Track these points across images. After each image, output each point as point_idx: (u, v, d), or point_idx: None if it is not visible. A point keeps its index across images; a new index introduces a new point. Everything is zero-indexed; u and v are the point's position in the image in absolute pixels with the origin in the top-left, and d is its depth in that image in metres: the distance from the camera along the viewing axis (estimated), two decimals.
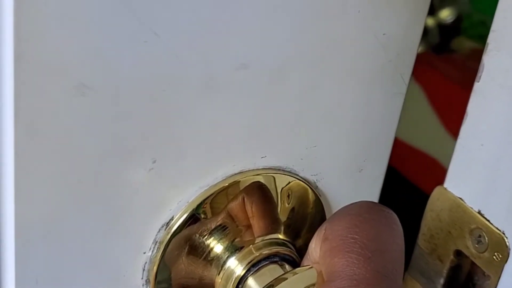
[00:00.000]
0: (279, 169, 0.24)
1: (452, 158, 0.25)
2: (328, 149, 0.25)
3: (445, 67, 0.63)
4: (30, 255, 0.21)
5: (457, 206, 0.25)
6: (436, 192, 0.25)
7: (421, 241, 0.26)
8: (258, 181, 0.24)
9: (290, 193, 0.24)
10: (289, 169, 0.24)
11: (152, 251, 0.23)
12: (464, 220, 0.24)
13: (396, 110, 0.25)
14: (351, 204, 0.22)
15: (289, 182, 0.24)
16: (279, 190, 0.24)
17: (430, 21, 0.69)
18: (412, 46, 0.24)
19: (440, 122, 0.61)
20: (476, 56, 0.71)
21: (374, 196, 0.27)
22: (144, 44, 0.19)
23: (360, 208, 0.21)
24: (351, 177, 0.26)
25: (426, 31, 0.68)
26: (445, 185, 0.25)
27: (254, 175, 0.24)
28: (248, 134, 0.23)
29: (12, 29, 0.17)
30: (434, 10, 0.69)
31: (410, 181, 0.65)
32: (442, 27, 0.69)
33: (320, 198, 0.25)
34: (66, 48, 0.18)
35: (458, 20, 0.69)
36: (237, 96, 0.22)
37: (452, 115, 0.60)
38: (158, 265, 0.23)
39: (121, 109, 0.20)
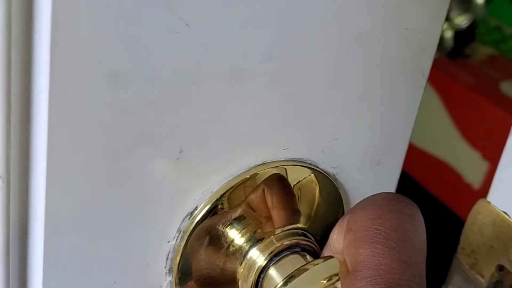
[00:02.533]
0: (300, 161, 0.24)
1: (496, 171, 0.24)
2: (349, 142, 0.25)
3: (460, 73, 0.63)
4: (58, 242, 0.21)
5: (501, 221, 0.24)
6: (478, 205, 0.25)
7: (460, 255, 0.26)
8: (279, 173, 0.24)
9: (310, 185, 0.25)
10: (310, 161, 0.25)
11: (176, 240, 0.23)
12: (509, 235, 0.24)
13: (415, 104, 0.26)
14: (373, 195, 0.22)
15: (310, 174, 0.25)
16: (299, 182, 0.25)
17: (445, 27, 0.69)
18: (432, 40, 0.24)
19: (456, 128, 0.61)
20: (491, 62, 0.72)
21: (391, 189, 0.27)
22: (176, 35, 0.20)
23: (382, 200, 0.22)
24: (369, 170, 0.26)
25: (441, 37, 0.68)
26: (488, 198, 0.25)
27: (276, 167, 0.24)
28: (272, 125, 0.23)
29: (50, 16, 0.18)
30: (449, 16, 0.69)
31: (423, 187, 0.65)
32: (457, 32, 0.69)
33: (339, 190, 0.26)
34: (100, 37, 0.18)
35: (473, 25, 0.69)
36: (263, 88, 0.22)
37: (467, 121, 0.60)
38: (182, 254, 0.23)
39: (151, 98, 0.20)
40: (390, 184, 0.27)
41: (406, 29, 0.24)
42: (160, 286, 0.24)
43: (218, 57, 0.21)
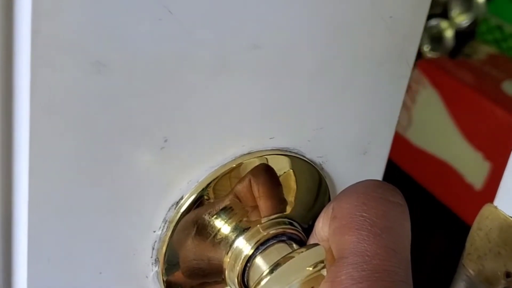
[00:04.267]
0: (286, 150, 0.24)
1: (504, 175, 0.23)
2: (335, 131, 0.25)
3: (461, 73, 0.63)
4: (42, 234, 0.21)
5: (508, 226, 0.23)
6: (485, 210, 0.24)
7: (466, 261, 0.25)
8: (265, 162, 0.24)
9: (296, 174, 0.25)
10: (296, 151, 0.25)
11: (162, 230, 0.23)
12: None
13: (400, 93, 0.26)
14: (358, 182, 0.22)
15: (296, 163, 0.25)
16: (286, 171, 0.25)
17: (446, 26, 0.68)
18: (417, 29, 0.24)
19: (457, 128, 0.61)
20: (492, 61, 0.71)
21: (378, 178, 0.27)
22: (159, 22, 0.19)
23: (367, 187, 0.22)
24: (355, 160, 0.26)
25: (441, 36, 0.68)
26: (495, 203, 0.24)
27: (262, 156, 0.24)
28: (258, 114, 0.23)
29: (31, 4, 0.17)
30: (450, 15, 0.68)
31: (424, 187, 0.65)
32: (457, 31, 0.69)
33: (326, 179, 0.26)
34: (82, 25, 0.18)
35: (473, 24, 0.68)
36: (249, 77, 0.22)
37: (468, 121, 0.60)
38: (168, 244, 0.23)
39: (135, 87, 0.20)
40: (376, 173, 0.27)
41: (390, 17, 0.24)
42: (147, 277, 0.23)
43: (202, 45, 0.21)
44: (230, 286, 0.24)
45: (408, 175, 0.67)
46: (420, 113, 0.65)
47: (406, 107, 0.65)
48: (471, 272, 0.24)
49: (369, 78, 0.24)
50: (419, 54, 0.69)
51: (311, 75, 0.23)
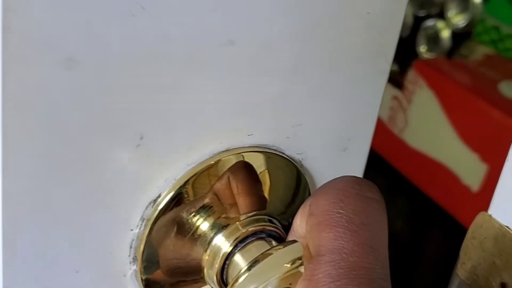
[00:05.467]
0: (265, 147, 0.24)
1: (498, 183, 0.23)
2: (313, 128, 0.25)
3: (458, 74, 0.63)
4: (17, 233, 0.21)
5: (503, 235, 0.22)
6: (479, 219, 0.23)
7: (460, 270, 0.24)
8: (244, 159, 0.24)
9: (275, 171, 0.25)
10: (275, 147, 0.25)
11: (140, 228, 0.23)
12: (511, 250, 0.22)
13: (379, 89, 0.25)
14: (335, 179, 0.22)
15: (275, 160, 0.25)
16: (265, 168, 0.24)
17: (442, 26, 0.68)
18: (395, 25, 0.24)
19: (453, 130, 0.60)
20: (489, 62, 0.71)
21: (358, 175, 0.27)
22: (131, 18, 0.19)
23: (344, 183, 0.22)
24: (335, 156, 0.26)
25: (438, 37, 0.68)
26: (490, 211, 0.23)
27: (240, 153, 0.24)
28: (235, 111, 0.23)
29: (0, 1, 0.17)
30: (446, 15, 0.68)
31: (420, 189, 0.65)
32: (454, 31, 0.69)
33: (306, 176, 0.26)
34: (53, 21, 0.18)
35: (470, 25, 0.68)
36: (224, 73, 0.22)
37: (465, 122, 0.60)
38: (145, 243, 0.23)
39: (108, 84, 0.20)
40: (357, 170, 0.27)
41: (368, 13, 0.24)
42: (125, 275, 0.23)
43: (176, 41, 0.21)
44: (209, 284, 0.24)
45: (403, 177, 0.67)
46: (416, 114, 0.64)
47: (402, 108, 0.65)
48: (466, 282, 0.24)
49: (348, 74, 0.24)
50: (416, 55, 0.69)
51: (288, 71, 0.23)
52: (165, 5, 0.20)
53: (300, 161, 0.25)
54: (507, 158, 0.22)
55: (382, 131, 0.66)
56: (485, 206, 0.23)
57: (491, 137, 0.57)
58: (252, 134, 0.24)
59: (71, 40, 0.19)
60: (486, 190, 0.59)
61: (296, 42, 0.23)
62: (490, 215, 0.23)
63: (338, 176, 0.22)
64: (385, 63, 0.25)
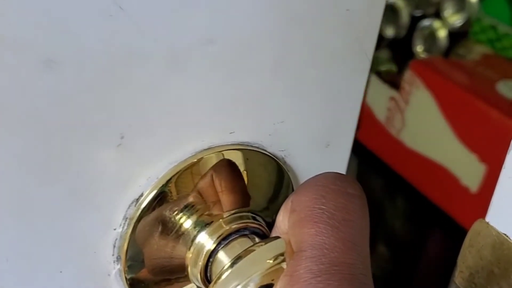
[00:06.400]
0: (247, 145, 0.24)
1: (495, 190, 0.22)
2: (295, 125, 0.25)
3: (455, 73, 0.62)
4: None
5: (501, 243, 0.22)
6: (477, 226, 0.23)
7: (458, 279, 0.24)
8: (227, 157, 0.24)
9: (258, 168, 0.25)
10: (257, 145, 0.25)
11: (123, 227, 0.23)
12: (509, 259, 0.22)
13: (360, 85, 0.26)
14: (317, 175, 0.22)
15: (258, 158, 0.25)
16: (247, 166, 0.25)
17: (439, 26, 0.68)
18: (374, 22, 0.24)
19: (451, 130, 0.60)
20: (486, 62, 0.70)
21: (341, 171, 0.27)
22: (110, 18, 0.20)
23: (325, 179, 0.22)
24: (318, 152, 0.26)
25: (435, 36, 0.68)
26: (487, 219, 0.23)
27: (222, 151, 0.24)
28: (217, 109, 0.23)
29: None
30: (443, 15, 0.68)
31: (419, 190, 0.64)
32: (450, 31, 0.68)
33: (288, 173, 0.26)
34: (31, 22, 0.18)
35: (466, 24, 0.68)
36: (204, 71, 0.22)
37: (463, 122, 0.59)
38: (129, 242, 0.23)
39: (87, 84, 0.20)
40: (340, 166, 0.27)
41: (347, 10, 0.24)
42: (109, 275, 0.23)
43: (155, 41, 0.21)
44: (193, 282, 0.24)
45: (402, 178, 0.66)
46: (413, 114, 0.64)
47: (399, 109, 0.65)
48: None
49: (328, 71, 0.25)
50: (412, 55, 0.69)
51: (268, 69, 0.23)
52: (144, 5, 0.20)
53: (282, 158, 0.25)
54: (504, 164, 0.22)
55: (379, 132, 0.66)
56: (485, 207, 0.23)
57: (490, 137, 0.57)
58: (234, 132, 0.24)
59: (50, 41, 0.19)
60: (485, 191, 0.58)
61: (276, 40, 0.23)
62: (487, 223, 0.23)
63: (321, 173, 0.22)
64: (366, 60, 0.25)
